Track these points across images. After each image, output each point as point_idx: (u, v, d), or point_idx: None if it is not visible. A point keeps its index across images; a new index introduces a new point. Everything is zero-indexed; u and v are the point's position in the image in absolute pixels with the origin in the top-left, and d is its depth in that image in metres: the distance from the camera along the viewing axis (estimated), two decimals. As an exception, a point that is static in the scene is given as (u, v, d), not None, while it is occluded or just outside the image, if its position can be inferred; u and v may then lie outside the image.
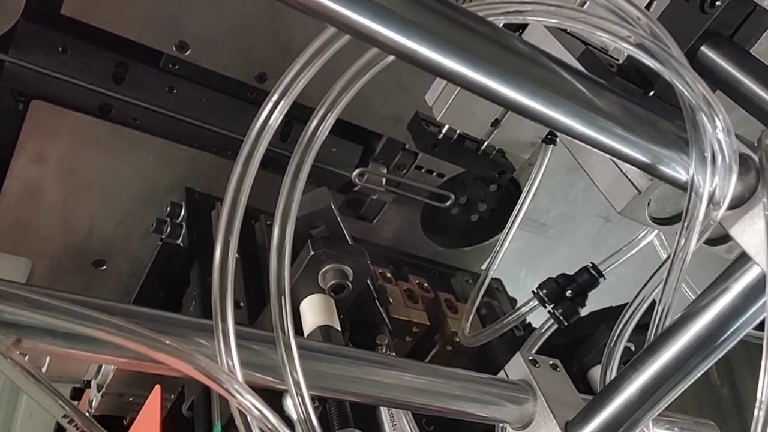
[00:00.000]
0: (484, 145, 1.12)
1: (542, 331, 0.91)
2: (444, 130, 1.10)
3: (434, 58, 0.44)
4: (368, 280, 1.00)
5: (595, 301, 1.89)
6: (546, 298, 0.89)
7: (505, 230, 1.00)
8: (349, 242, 0.99)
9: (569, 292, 0.88)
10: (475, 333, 1.03)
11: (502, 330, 0.99)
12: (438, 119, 0.95)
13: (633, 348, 1.01)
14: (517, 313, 0.96)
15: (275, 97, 0.51)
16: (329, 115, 0.54)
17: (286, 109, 0.51)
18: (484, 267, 1.07)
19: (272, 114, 0.51)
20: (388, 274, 1.24)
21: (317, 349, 0.63)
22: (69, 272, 1.37)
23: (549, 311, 0.89)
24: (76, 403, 1.28)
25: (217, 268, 0.53)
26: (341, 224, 0.99)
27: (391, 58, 0.47)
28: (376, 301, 1.04)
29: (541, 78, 0.47)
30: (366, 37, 0.43)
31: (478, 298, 1.02)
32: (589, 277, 0.90)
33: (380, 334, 0.97)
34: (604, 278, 0.91)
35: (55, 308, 0.46)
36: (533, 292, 0.91)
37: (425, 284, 1.28)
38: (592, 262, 0.92)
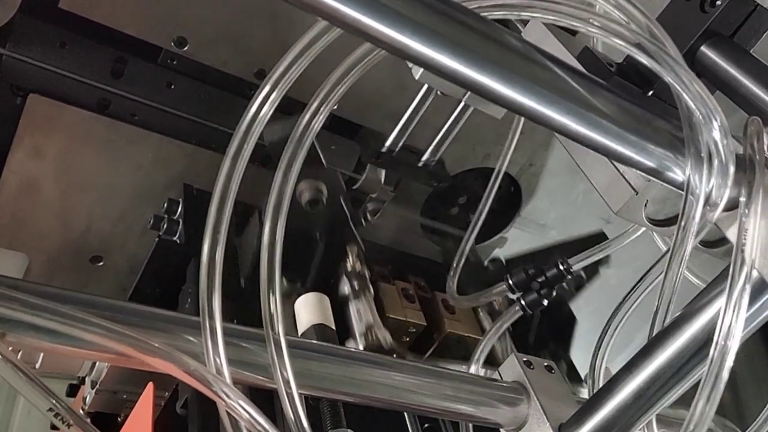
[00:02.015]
0: (425, 157, 1.26)
1: (507, 316, 0.94)
2: (387, 144, 1.21)
3: (426, 53, 0.43)
4: (341, 201, 1.12)
5: (595, 303, 1.88)
6: (515, 287, 0.94)
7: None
8: (325, 167, 1.13)
9: (536, 284, 0.93)
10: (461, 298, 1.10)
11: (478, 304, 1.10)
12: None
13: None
14: (488, 294, 1.03)
15: (265, 91, 0.50)
16: (322, 108, 0.54)
17: (277, 103, 0.50)
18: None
19: (262, 109, 0.50)
20: (386, 273, 1.23)
21: (308, 348, 0.62)
22: (66, 268, 1.36)
23: (515, 299, 0.94)
24: (71, 400, 1.27)
25: (205, 265, 0.52)
26: (318, 150, 1.11)
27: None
28: (350, 221, 1.14)
29: (534, 75, 0.46)
30: (357, 31, 0.43)
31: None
32: (557, 273, 0.94)
33: (350, 244, 1.10)
34: (572, 275, 0.95)
35: (40, 307, 0.46)
36: (504, 278, 0.96)
37: (422, 284, 1.27)
38: (563, 257, 0.96)
